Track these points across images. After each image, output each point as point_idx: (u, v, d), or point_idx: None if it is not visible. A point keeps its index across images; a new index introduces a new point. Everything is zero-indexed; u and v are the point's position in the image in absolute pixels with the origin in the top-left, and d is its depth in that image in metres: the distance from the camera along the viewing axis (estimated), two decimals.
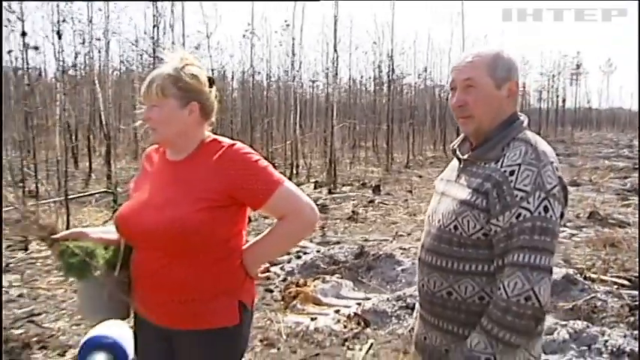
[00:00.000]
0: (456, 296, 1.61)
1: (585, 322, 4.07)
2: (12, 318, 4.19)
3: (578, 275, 5.11)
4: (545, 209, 1.47)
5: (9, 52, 11.92)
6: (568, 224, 8.03)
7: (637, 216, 8.32)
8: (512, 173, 1.51)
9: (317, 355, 3.69)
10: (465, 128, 1.69)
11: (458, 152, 1.74)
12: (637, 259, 5.77)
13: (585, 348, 3.83)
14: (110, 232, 1.88)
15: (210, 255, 1.70)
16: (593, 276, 5.34)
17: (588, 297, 4.63)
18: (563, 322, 4.12)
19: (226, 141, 1.80)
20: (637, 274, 5.30)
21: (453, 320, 1.63)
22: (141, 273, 1.75)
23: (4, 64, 11.98)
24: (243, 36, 16.20)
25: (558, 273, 5.04)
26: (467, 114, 1.64)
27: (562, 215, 1.54)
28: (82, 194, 8.96)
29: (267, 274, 1.94)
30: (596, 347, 3.81)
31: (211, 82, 1.82)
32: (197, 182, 1.71)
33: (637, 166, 15.19)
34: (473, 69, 1.63)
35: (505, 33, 36.10)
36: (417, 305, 1.82)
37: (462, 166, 1.70)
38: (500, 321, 1.46)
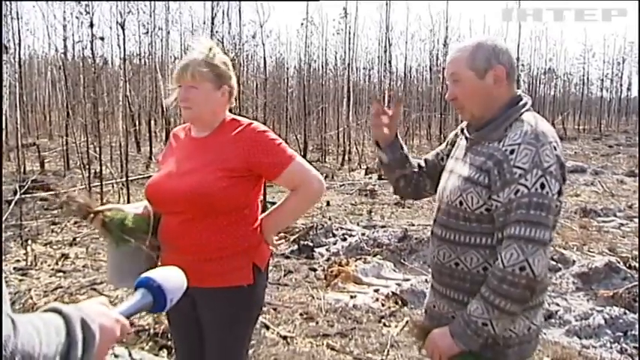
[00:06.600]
0: (462, 267, 1.74)
1: (623, 309, 4.08)
2: (77, 285, 4.60)
3: (622, 264, 5.05)
4: (542, 186, 1.57)
5: (77, 42, 12.64)
6: (618, 214, 7.87)
7: None
8: (512, 152, 1.61)
9: (353, 329, 3.86)
10: (462, 117, 1.84)
11: (465, 132, 1.86)
12: None
13: (621, 334, 3.84)
14: (140, 207, 2.08)
15: (227, 218, 1.91)
16: (638, 265, 5.27)
17: (630, 285, 4.57)
18: (599, 308, 4.14)
19: (245, 120, 2.01)
20: None
21: (459, 289, 1.77)
22: (167, 235, 1.96)
23: (72, 52, 12.69)
24: (301, 24, 16.47)
25: (600, 261, 5.02)
26: (459, 106, 1.79)
27: (560, 192, 1.63)
28: (141, 176, 9.49)
29: (280, 242, 2.15)
30: (632, 334, 3.82)
31: (233, 68, 2.04)
32: (217, 155, 1.92)
33: None
34: (455, 64, 1.75)
35: (565, 18, 34.42)
36: (430, 276, 1.98)
37: (468, 145, 1.81)
38: (497, 289, 1.58)
